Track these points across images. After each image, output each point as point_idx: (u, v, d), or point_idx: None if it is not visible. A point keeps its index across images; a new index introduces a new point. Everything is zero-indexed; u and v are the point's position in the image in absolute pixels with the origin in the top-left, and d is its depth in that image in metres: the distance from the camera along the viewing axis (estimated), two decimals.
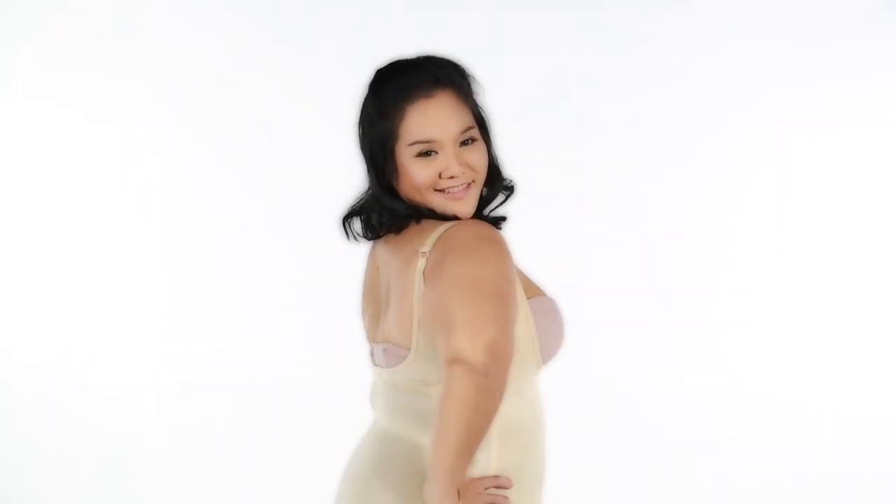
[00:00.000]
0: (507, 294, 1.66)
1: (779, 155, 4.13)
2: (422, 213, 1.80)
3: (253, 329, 4.07)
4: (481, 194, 1.85)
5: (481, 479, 1.74)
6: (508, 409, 1.75)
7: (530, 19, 4.02)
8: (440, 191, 1.78)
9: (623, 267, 4.07)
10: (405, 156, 1.78)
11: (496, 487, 1.76)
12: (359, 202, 1.89)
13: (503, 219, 1.91)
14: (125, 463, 4.04)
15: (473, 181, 1.80)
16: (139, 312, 4.11)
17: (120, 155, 4.08)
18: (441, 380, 1.66)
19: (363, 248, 2.00)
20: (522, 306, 1.75)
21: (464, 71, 1.83)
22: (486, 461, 1.76)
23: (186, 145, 4.09)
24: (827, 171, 4.12)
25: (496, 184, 1.87)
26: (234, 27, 4.09)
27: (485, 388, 1.60)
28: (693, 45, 4.07)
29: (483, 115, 1.84)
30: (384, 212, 1.83)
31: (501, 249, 1.70)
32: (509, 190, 1.89)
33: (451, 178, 1.77)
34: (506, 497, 1.74)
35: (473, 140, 1.80)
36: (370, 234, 1.88)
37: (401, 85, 1.78)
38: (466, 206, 1.79)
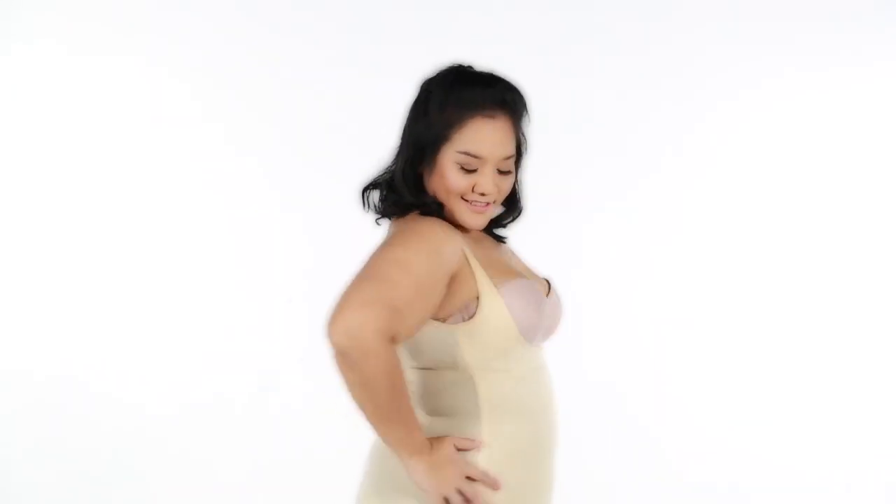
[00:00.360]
0: (415, 274, 1.76)
1: (777, 154, 4.17)
2: (427, 208, 1.90)
3: (261, 327, 4.05)
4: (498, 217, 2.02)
5: (449, 439, 1.85)
6: (493, 386, 1.86)
7: (529, 19, 4.08)
8: (466, 200, 1.89)
9: (620, 265, 4.12)
10: (449, 159, 1.87)
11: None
12: (380, 177, 1.97)
13: (502, 238, 2.05)
14: (127, 465, 4.01)
15: (495, 202, 1.93)
16: (140, 313, 4.07)
17: (122, 153, 4.06)
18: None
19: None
20: (488, 292, 1.85)
21: (525, 103, 1.94)
22: (478, 435, 1.86)
23: (195, 142, 4.06)
24: (826, 170, 4.15)
25: (511, 206, 2.01)
26: (240, 21, 4.06)
27: (351, 365, 1.72)
28: (692, 44, 4.12)
29: (523, 146, 1.96)
30: (391, 195, 1.93)
31: (427, 236, 1.81)
32: (518, 213, 2.04)
33: (482, 194, 1.89)
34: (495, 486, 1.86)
35: (508, 171, 1.92)
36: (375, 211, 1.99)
37: (472, 95, 1.87)
38: (482, 220, 1.92)
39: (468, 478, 1.83)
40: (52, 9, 4.00)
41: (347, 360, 1.72)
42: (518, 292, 1.87)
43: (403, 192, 1.91)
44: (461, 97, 1.87)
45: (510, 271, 1.93)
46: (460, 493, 1.82)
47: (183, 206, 4.07)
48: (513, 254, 2.06)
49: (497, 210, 1.97)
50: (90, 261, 4.03)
